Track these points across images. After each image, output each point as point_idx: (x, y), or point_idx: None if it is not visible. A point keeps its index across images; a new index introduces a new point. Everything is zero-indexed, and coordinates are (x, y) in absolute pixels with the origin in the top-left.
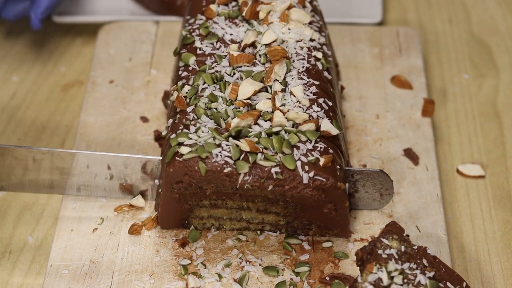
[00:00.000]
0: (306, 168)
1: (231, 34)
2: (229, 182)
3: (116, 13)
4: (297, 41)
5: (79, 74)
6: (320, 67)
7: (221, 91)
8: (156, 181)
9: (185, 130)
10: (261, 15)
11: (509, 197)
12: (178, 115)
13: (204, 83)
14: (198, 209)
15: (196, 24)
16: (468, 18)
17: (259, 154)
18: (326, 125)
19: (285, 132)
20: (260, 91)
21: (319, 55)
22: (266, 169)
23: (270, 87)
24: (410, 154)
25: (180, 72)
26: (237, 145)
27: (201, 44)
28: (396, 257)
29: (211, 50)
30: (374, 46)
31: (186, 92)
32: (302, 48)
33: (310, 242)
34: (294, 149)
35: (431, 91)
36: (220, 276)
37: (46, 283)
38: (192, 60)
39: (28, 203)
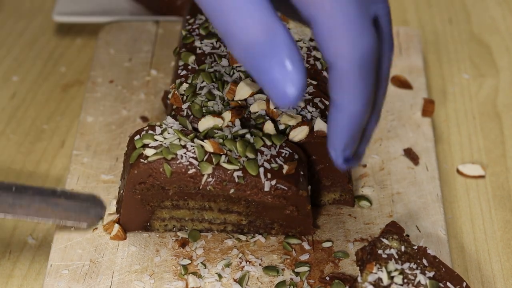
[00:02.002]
0: (269, 175)
1: None
2: (193, 183)
3: (116, 13)
4: (297, 41)
5: (79, 74)
6: (319, 66)
7: (219, 90)
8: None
9: (150, 132)
10: None
11: (509, 197)
12: (173, 113)
13: (203, 81)
14: (159, 210)
15: (196, 23)
16: (468, 18)
17: (223, 156)
18: (319, 125)
19: (251, 135)
20: (257, 92)
21: (318, 55)
22: (228, 172)
23: None
24: (410, 154)
25: (179, 71)
26: (202, 146)
27: (201, 43)
28: (396, 257)
29: (211, 49)
30: None
31: (184, 90)
32: (301, 48)
33: (310, 242)
34: (259, 153)
35: (431, 91)
36: (220, 276)
37: (46, 283)
38: (191, 59)
39: None
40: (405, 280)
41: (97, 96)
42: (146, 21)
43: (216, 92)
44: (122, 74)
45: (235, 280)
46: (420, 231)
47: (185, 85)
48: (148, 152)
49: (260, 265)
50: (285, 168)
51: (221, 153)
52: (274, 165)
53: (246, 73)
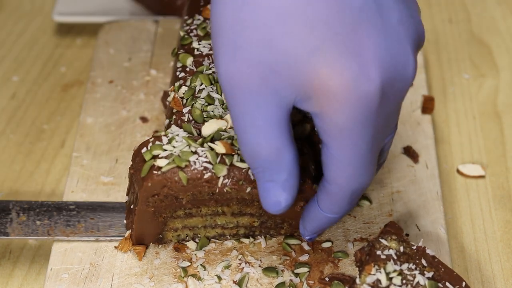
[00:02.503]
0: None
1: None
2: (208, 187)
3: (116, 13)
4: None
5: (79, 74)
6: None
7: (217, 93)
8: (126, 197)
9: (157, 143)
10: None
11: (509, 197)
12: (174, 116)
13: (201, 84)
14: (172, 220)
15: (193, 24)
16: (468, 18)
17: (235, 156)
18: None
19: None
20: None
21: None
22: (243, 170)
23: None
24: (410, 152)
25: (177, 73)
26: (212, 149)
27: (199, 44)
28: (395, 257)
29: (209, 50)
30: None
31: (183, 93)
32: None
33: (309, 242)
34: None
35: (431, 91)
36: (219, 278)
37: (46, 287)
38: (189, 61)
39: None
40: (404, 281)
41: (97, 97)
42: (145, 21)
43: (215, 95)
44: (122, 74)
45: (234, 282)
46: (420, 230)
47: (184, 88)
48: (160, 162)
49: (259, 266)
50: None
51: (233, 153)
52: None
53: None
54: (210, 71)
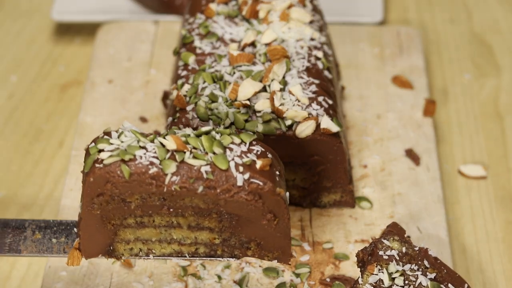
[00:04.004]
0: (241, 169)
1: (230, 33)
2: (156, 185)
3: (115, 12)
4: (297, 41)
5: (78, 74)
6: (321, 66)
7: (221, 91)
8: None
9: (105, 137)
10: (261, 14)
11: (511, 198)
12: (177, 114)
13: (204, 82)
14: (123, 230)
15: (195, 23)
16: (470, 17)
17: (187, 153)
18: (326, 123)
19: (217, 133)
20: (260, 91)
21: (320, 54)
22: (195, 168)
23: (269, 86)
24: (411, 155)
25: (179, 72)
26: (163, 145)
27: (201, 43)
28: (397, 258)
29: (211, 49)
30: (375, 45)
31: (186, 91)
32: (302, 47)
33: (310, 243)
34: (227, 150)
35: (432, 91)
36: (219, 277)
37: (44, 285)
38: (191, 59)
39: (27, 204)
40: (406, 282)
41: (96, 96)
42: (145, 21)
43: (218, 92)
44: (121, 74)
45: (235, 282)
46: (421, 232)
47: (187, 86)
48: (103, 155)
49: (260, 266)
50: (259, 163)
51: (185, 150)
52: (246, 159)
53: (247, 73)
54: (212, 69)
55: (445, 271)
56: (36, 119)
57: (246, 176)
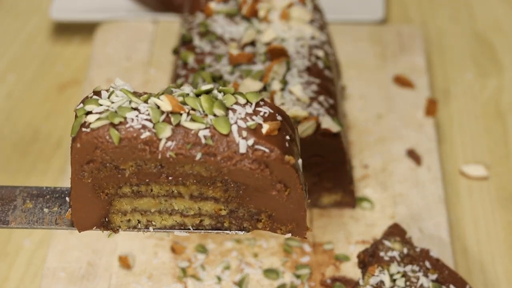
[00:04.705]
0: (244, 134)
1: (230, 33)
2: (149, 152)
3: (114, 10)
4: (298, 40)
5: (76, 73)
6: (321, 65)
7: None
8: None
9: (95, 97)
10: (261, 13)
11: None
12: None
13: (204, 81)
14: (118, 200)
15: (195, 22)
16: (472, 16)
17: (184, 115)
18: (327, 122)
19: (219, 92)
20: (260, 91)
21: (320, 53)
22: (192, 132)
23: (269, 86)
24: (413, 155)
25: (179, 71)
26: (158, 106)
27: (200, 42)
28: (398, 259)
29: (210, 48)
30: (376, 45)
31: None
32: (302, 46)
33: (311, 244)
34: (230, 112)
35: (434, 91)
36: (219, 278)
37: (42, 286)
38: (191, 58)
39: None
40: (408, 283)
41: None
42: (144, 20)
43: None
44: (120, 74)
45: (235, 283)
46: (422, 233)
47: (186, 85)
48: (90, 118)
49: (260, 267)
50: (265, 127)
51: (182, 112)
52: (250, 123)
53: (247, 72)
54: (212, 69)
55: (446, 272)
56: (34, 119)
57: (250, 142)
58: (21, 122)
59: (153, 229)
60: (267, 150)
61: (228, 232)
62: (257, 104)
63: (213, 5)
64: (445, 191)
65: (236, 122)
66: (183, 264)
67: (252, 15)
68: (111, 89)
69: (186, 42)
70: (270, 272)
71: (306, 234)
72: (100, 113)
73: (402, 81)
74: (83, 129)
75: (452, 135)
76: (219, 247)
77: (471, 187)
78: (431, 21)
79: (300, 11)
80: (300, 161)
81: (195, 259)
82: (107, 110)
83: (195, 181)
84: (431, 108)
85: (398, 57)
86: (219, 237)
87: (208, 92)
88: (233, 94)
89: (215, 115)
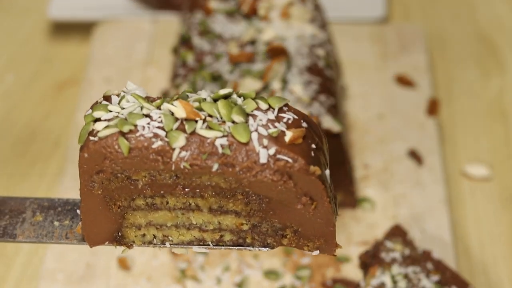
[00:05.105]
0: (265, 142)
1: (230, 31)
2: (162, 162)
3: (113, 9)
4: (298, 38)
5: (75, 73)
6: (322, 64)
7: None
8: None
9: (104, 102)
10: (261, 12)
11: None
12: None
13: (204, 80)
14: (131, 213)
15: (194, 21)
16: (474, 15)
17: (200, 122)
18: (328, 122)
19: (239, 97)
20: (260, 90)
21: (321, 52)
22: (208, 140)
23: (270, 85)
24: (414, 155)
25: (178, 70)
26: (172, 113)
27: (200, 41)
28: (400, 260)
29: (210, 47)
30: (377, 44)
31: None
32: (303, 45)
33: None
34: (250, 118)
35: (436, 90)
36: (219, 280)
37: (40, 287)
38: (190, 57)
39: None
40: (409, 284)
41: (93, 96)
42: (143, 20)
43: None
44: (119, 73)
45: (234, 284)
46: (424, 234)
47: (185, 85)
48: (98, 126)
49: (260, 268)
50: (288, 134)
51: (198, 119)
52: (272, 130)
53: (246, 71)
54: (211, 68)
55: (448, 273)
56: (32, 118)
57: (272, 151)
58: (19, 122)
59: (170, 244)
60: (290, 160)
61: (251, 248)
62: (280, 110)
63: (212, 4)
64: (447, 192)
65: (256, 130)
66: (182, 266)
67: (252, 14)
68: (122, 94)
69: (185, 41)
70: (270, 273)
71: (335, 251)
72: (109, 120)
73: (403, 81)
74: (91, 138)
75: (454, 135)
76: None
77: (473, 188)
78: (433, 20)
79: (300, 9)
80: (327, 172)
81: (194, 260)
82: (117, 117)
83: (213, 193)
84: (433, 107)
85: (399, 57)
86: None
87: (226, 97)
88: (254, 98)
89: (233, 122)
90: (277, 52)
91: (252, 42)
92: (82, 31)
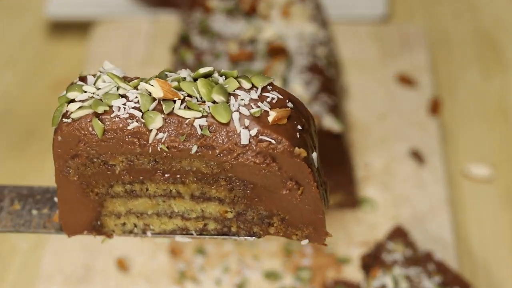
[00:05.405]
0: (247, 122)
1: (230, 30)
2: (139, 145)
3: (112, 7)
4: (298, 37)
5: (72, 72)
6: (322, 64)
7: None
8: None
9: (79, 83)
10: (261, 10)
11: None
12: None
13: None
14: (110, 200)
15: (194, 19)
16: (476, 14)
17: (178, 102)
18: (328, 122)
19: (221, 76)
20: None
21: (321, 51)
22: (186, 121)
23: None
24: (416, 155)
25: (177, 69)
26: (150, 93)
27: (199, 40)
28: (401, 261)
29: (209, 46)
30: (379, 43)
31: None
32: (303, 44)
33: (311, 246)
34: (232, 97)
35: (438, 89)
36: (218, 281)
37: None
38: (189, 56)
39: None
40: (411, 286)
41: None
42: (141, 18)
43: None
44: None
45: (234, 286)
46: (426, 235)
47: None
48: (72, 107)
49: (260, 269)
50: (272, 114)
51: (176, 98)
52: (254, 110)
53: (247, 70)
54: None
55: (450, 274)
56: (30, 118)
57: (254, 132)
58: (16, 122)
59: (152, 233)
60: (273, 141)
61: (236, 237)
62: (264, 89)
63: (212, 2)
64: (448, 192)
65: (238, 110)
66: (181, 267)
67: (252, 12)
68: (98, 74)
69: (184, 40)
70: (270, 274)
71: (326, 240)
72: (83, 101)
73: (405, 80)
74: (64, 120)
75: (456, 135)
76: (219, 249)
77: (475, 188)
78: (435, 19)
79: (301, 8)
80: (315, 155)
81: (194, 261)
82: (92, 97)
83: (195, 178)
84: (435, 107)
85: (401, 56)
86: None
87: (207, 76)
88: (236, 77)
89: (214, 102)
90: (277, 51)
91: (252, 41)
92: (80, 30)
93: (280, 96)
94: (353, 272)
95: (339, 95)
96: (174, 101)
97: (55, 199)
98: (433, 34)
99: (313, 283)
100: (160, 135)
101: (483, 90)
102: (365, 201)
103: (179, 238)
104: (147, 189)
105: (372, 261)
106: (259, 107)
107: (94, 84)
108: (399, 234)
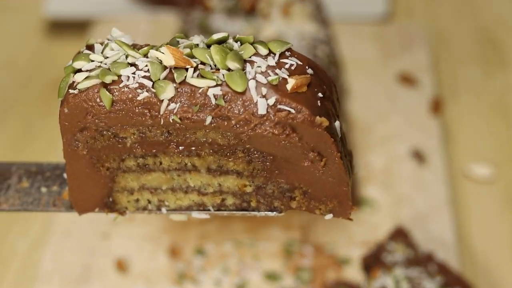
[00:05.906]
0: (264, 91)
1: (230, 29)
2: (150, 116)
3: (111, 6)
4: (299, 37)
5: None
6: (323, 63)
7: None
8: None
9: (86, 52)
10: (261, 9)
11: None
12: None
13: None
14: (122, 175)
15: (193, 18)
16: (478, 13)
17: (191, 70)
18: None
19: (236, 42)
20: None
21: (321, 50)
22: (200, 91)
23: None
24: (417, 155)
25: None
26: (161, 61)
27: (199, 39)
28: (402, 262)
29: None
30: (379, 42)
31: None
32: (303, 43)
33: (312, 246)
34: (247, 64)
35: (439, 89)
36: (218, 281)
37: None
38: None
39: None
40: (412, 286)
41: None
42: (140, 18)
43: None
44: None
45: (234, 286)
46: (427, 235)
47: None
48: (78, 77)
49: (260, 270)
50: (291, 82)
51: (188, 66)
52: (272, 77)
53: None
54: None
55: (451, 275)
56: (28, 118)
57: (271, 101)
58: (15, 122)
59: (167, 210)
60: (292, 111)
61: (256, 213)
62: (282, 55)
63: (212, 1)
64: (450, 192)
65: (254, 77)
66: (181, 267)
67: (252, 11)
68: (106, 42)
69: (184, 39)
70: (270, 275)
71: (351, 214)
72: (90, 70)
73: (406, 80)
74: (70, 91)
75: (458, 135)
76: (218, 249)
77: (477, 188)
78: (436, 19)
79: (301, 7)
80: (337, 124)
81: (193, 261)
82: (99, 66)
83: (211, 151)
84: (436, 107)
85: (402, 55)
86: (218, 238)
87: (221, 42)
88: (252, 43)
89: (229, 70)
90: None
91: None
92: (79, 29)
93: (300, 62)
94: (353, 273)
95: (340, 95)
96: (186, 69)
97: (65, 175)
98: (434, 33)
99: (313, 284)
100: (172, 105)
101: (485, 90)
102: (366, 201)
103: (196, 214)
104: (160, 163)
105: (373, 262)
106: (277, 74)
107: (102, 52)
108: (399, 234)
